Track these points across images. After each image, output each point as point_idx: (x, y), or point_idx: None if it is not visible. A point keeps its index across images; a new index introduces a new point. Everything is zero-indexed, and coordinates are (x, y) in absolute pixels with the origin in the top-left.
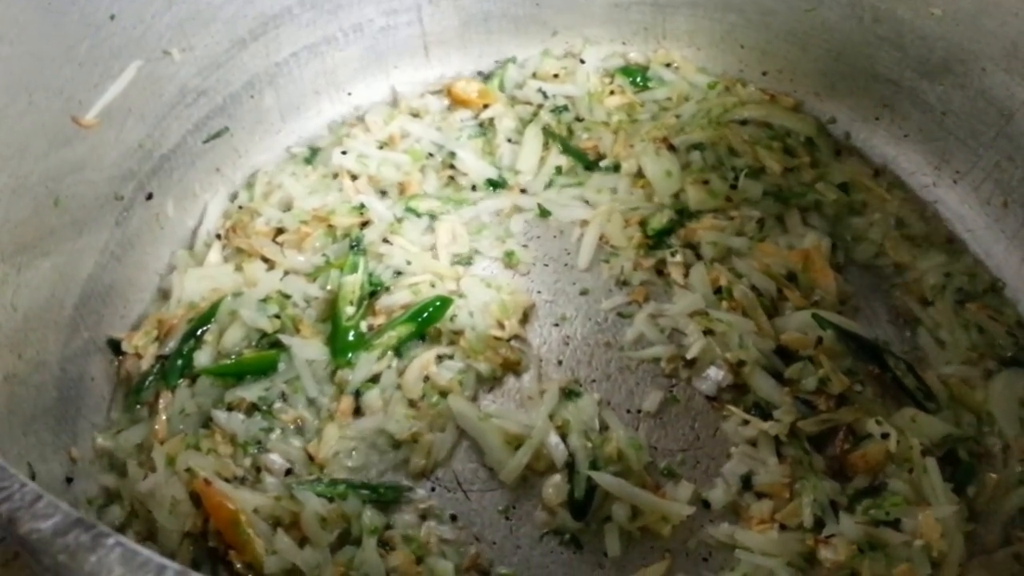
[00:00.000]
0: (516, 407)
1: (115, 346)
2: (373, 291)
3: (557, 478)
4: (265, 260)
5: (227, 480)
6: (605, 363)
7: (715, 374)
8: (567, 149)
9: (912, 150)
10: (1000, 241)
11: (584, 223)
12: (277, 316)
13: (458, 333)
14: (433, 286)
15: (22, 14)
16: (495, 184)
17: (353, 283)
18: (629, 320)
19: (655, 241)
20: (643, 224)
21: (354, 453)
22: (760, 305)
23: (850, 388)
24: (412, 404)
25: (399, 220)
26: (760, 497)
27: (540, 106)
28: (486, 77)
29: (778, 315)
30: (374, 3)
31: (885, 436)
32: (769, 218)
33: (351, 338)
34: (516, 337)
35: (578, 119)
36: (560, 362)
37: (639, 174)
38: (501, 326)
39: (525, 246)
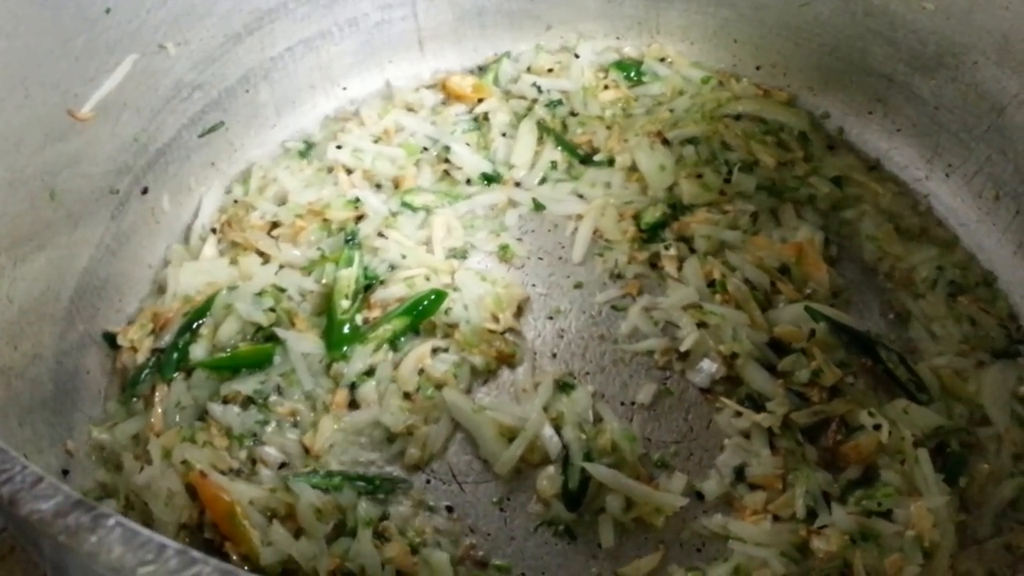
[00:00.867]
0: (510, 400)
1: (111, 339)
2: (368, 285)
3: (551, 470)
4: (260, 254)
5: (223, 472)
6: (599, 356)
7: (708, 366)
8: (561, 143)
9: (905, 144)
10: (992, 234)
11: (578, 217)
12: (272, 310)
13: (453, 326)
14: (428, 279)
15: (18, 8)
16: (490, 178)
17: (348, 277)
18: (623, 313)
19: (649, 235)
20: (637, 218)
21: (349, 446)
22: (753, 298)
23: (842, 380)
24: (407, 397)
25: (394, 214)
26: (753, 488)
27: (534, 100)
28: (481, 72)
29: (771, 308)
30: None
31: (877, 427)
32: (762, 212)
33: (346, 331)
34: (510, 330)
35: (572, 113)
36: (554, 355)
37: (633, 168)
38: (495, 319)
39: (520, 240)
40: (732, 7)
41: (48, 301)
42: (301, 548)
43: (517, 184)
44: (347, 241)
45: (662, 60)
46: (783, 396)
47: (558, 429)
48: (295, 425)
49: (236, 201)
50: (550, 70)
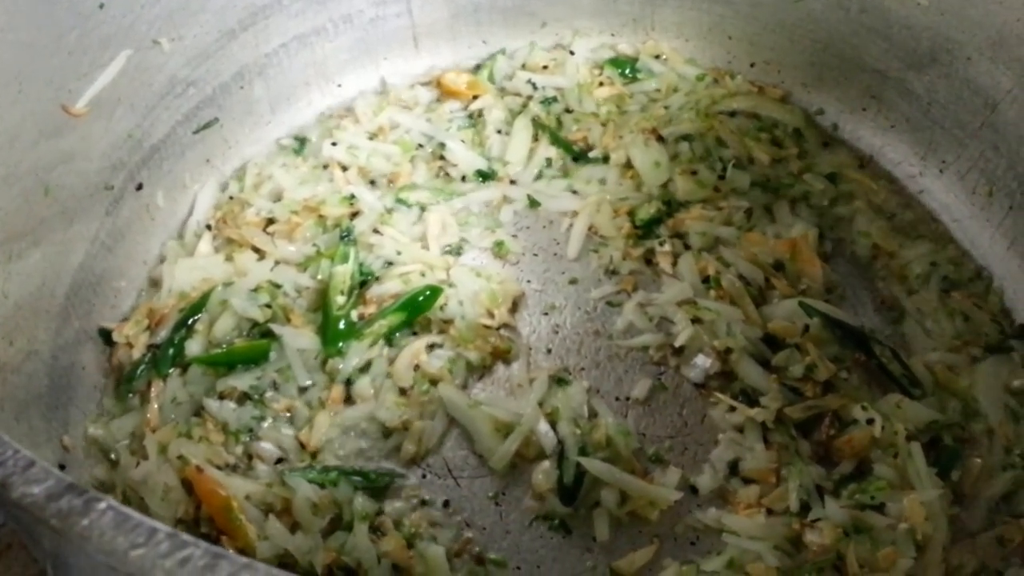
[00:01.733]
0: (506, 395)
1: (106, 335)
2: (363, 281)
3: (546, 464)
4: (256, 250)
5: (219, 468)
6: (594, 351)
7: (703, 362)
8: (556, 140)
9: (898, 140)
10: (985, 230)
11: (573, 213)
12: (268, 306)
13: (448, 322)
14: (423, 275)
15: (11, 3)
16: (485, 175)
17: (344, 273)
18: (618, 309)
19: (644, 231)
20: (632, 214)
21: (345, 441)
22: (747, 294)
23: (836, 375)
24: (403, 392)
25: (389, 211)
26: (747, 482)
27: (529, 97)
28: (476, 69)
29: (765, 303)
30: None
31: (870, 422)
32: (757, 208)
33: (342, 327)
34: (506, 326)
35: (567, 110)
36: (549, 350)
37: (628, 165)
38: (491, 315)
39: (515, 236)
40: (727, 4)
41: (43, 297)
42: (297, 542)
43: (512, 181)
44: (342, 237)
45: (657, 57)
46: (777, 391)
47: (553, 424)
48: (291, 421)
49: (231, 198)
50: (545, 67)
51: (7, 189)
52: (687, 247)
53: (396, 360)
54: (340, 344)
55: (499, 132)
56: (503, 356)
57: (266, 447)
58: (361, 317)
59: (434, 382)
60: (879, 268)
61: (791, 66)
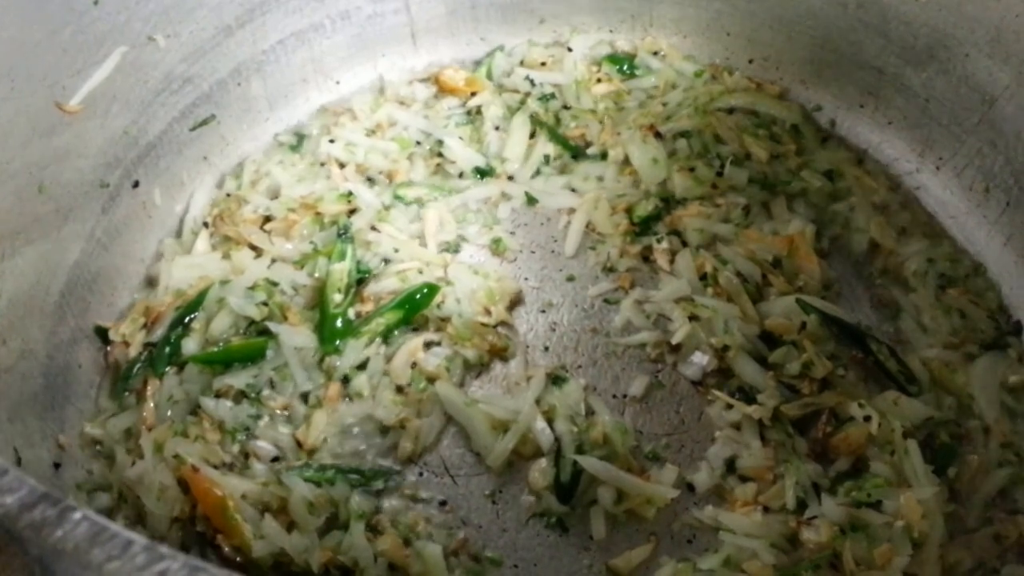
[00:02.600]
0: (503, 393)
1: (102, 334)
2: (361, 278)
3: (543, 462)
4: (253, 248)
5: (215, 467)
6: (591, 349)
7: (700, 359)
8: (554, 137)
9: (896, 137)
10: (982, 226)
11: (571, 211)
12: (265, 304)
13: (445, 320)
14: (421, 273)
15: (2, 0)
16: (482, 172)
17: (341, 271)
18: (615, 306)
19: (641, 228)
20: (629, 211)
21: (342, 439)
22: (745, 291)
23: (833, 372)
24: (400, 390)
25: (387, 208)
26: (744, 480)
27: (527, 94)
28: (474, 65)
29: (762, 300)
30: None
31: (867, 419)
32: (754, 205)
33: (339, 325)
34: (503, 323)
35: (565, 107)
36: (547, 348)
37: (626, 162)
38: (488, 312)
39: (512, 233)
40: (725, 0)
41: (38, 296)
42: (293, 541)
43: (510, 178)
44: (340, 235)
45: (655, 54)
46: (774, 388)
47: (550, 422)
48: (288, 419)
49: (228, 195)
50: (543, 64)
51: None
52: (685, 244)
53: (393, 358)
54: (337, 342)
55: (497, 129)
56: (500, 354)
57: (262, 446)
58: (358, 315)
59: (431, 380)
60: (876, 265)
61: (789, 62)
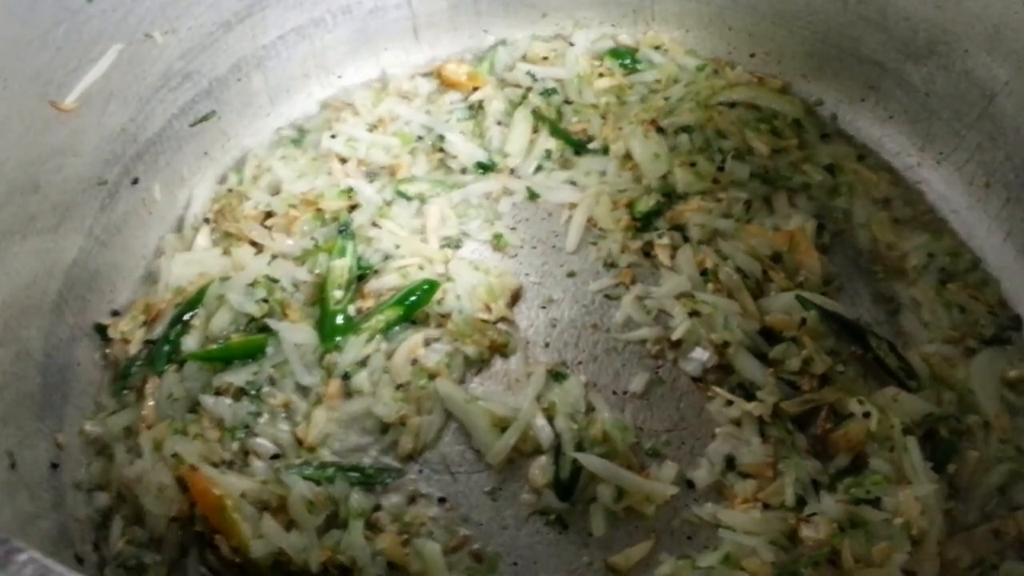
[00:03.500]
0: (503, 390)
1: (102, 331)
2: (361, 275)
3: (543, 460)
4: (253, 244)
5: (214, 465)
6: (592, 345)
7: (700, 355)
8: (556, 132)
9: (896, 131)
10: (982, 221)
11: (572, 206)
12: (265, 300)
13: (446, 316)
14: (422, 269)
15: None
16: (484, 167)
17: (341, 267)
18: (616, 302)
19: (642, 223)
20: (631, 206)
21: (342, 436)
22: (745, 287)
23: (833, 368)
24: (400, 387)
25: (388, 203)
26: (744, 477)
27: (529, 89)
28: (476, 60)
29: (763, 296)
30: None
31: (867, 415)
32: (756, 200)
33: (339, 322)
34: (503, 320)
35: (567, 102)
36: (547, 344)
37: (627, 156)
38: (488, 309)
39: (514, 229)
40: None
41: (35, 294)
42: (292, 541)
43: (512, 172)
44: (340, 231)
45: (657, 48)
46: (774, 385)
47: (550, 419)
48: (288, 416)
49: (229, 191)
50: (545, 58)
51: None
52: (686, 239)
53: (394, 355)
54: (338, 339)
55: (499, 124)
56: (501, 350)
57: (262, 443)
58: (359, 311)
59: (432, 377)
60: (877, 260)
61: (791, 57)
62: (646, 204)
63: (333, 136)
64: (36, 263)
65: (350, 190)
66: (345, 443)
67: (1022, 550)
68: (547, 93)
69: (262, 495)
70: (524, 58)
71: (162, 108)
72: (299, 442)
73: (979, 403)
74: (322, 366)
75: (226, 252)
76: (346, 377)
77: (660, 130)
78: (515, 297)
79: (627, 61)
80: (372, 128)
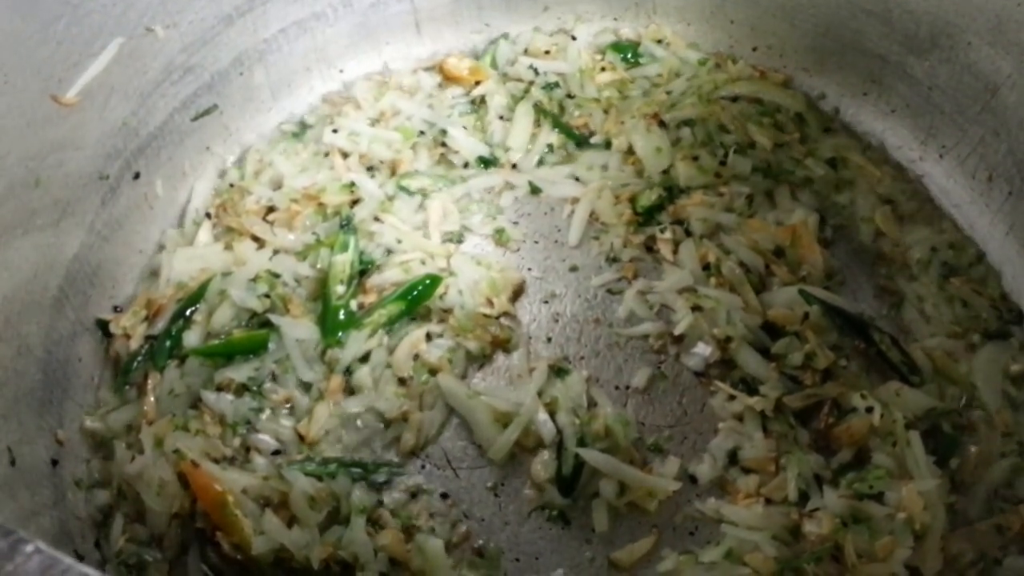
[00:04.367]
0: (505, 385)
1: (103, 327)
2: (363, 270)
3: (545, 455)
4: (255, 239)
5: (216, 461)
6: (594, 340)
7: (703, 350)
8: (558, 126)
9: (899, 125)
10: (985, 215)
11: (574, 200)
12: (267, 296)
13: (448, 311)
14: (424, 264)
15: None
16: (486, 161)
17: (343, 262)
18: (618, 297)
19: (645, 218)
20: (633, 201)
21: (344, 432)
22: (748, 281)
23: (835, 363)
24: (402, 382)
25: (390, 198)
26: (746, 472)
27: (531, 83)
28: (479, 54)
29: (765, 291)
30: None
31: (869, 410)
32: (758, 194)
33: (341, 317)
34: (506, 314)
35: (569, 96)
36: (549, 339)
37: (630, 151)
38: (490, 304)
39: (516, 223)
40: None
41: (36, 289)
42: (294, 537)
43: (514, 167)
44: (342, 226)
45: (659, 42)
46: (776, 379)
47: (552, 414)
48: (290, 412)
49: (231, 185)
50: (547, 52)
51: None
52: (688, 234)
53: (396, 350)
54: (339, 334)
55: (501, 118)
56: (503, 345)
57: (264, 439)
58: (361, 306)
59: (433, 372)
60: (879, 254)
61: (793, 51)
62: (648, 198)
63: (335, 130)
64: (37, 258)
65: (352, 185)
66: (347, 439)
67: None
68: (549, 87)
69: (263, 491)
70: (526, 52)
71: (163, 102)
72: (301, 438)
73: (982, 398)
74: (324, 361)
75: (228, 247)
76: (348, 372)
77: (662, 124)
78: (517, 292)
79: (629, 55)
80: (374, 122)
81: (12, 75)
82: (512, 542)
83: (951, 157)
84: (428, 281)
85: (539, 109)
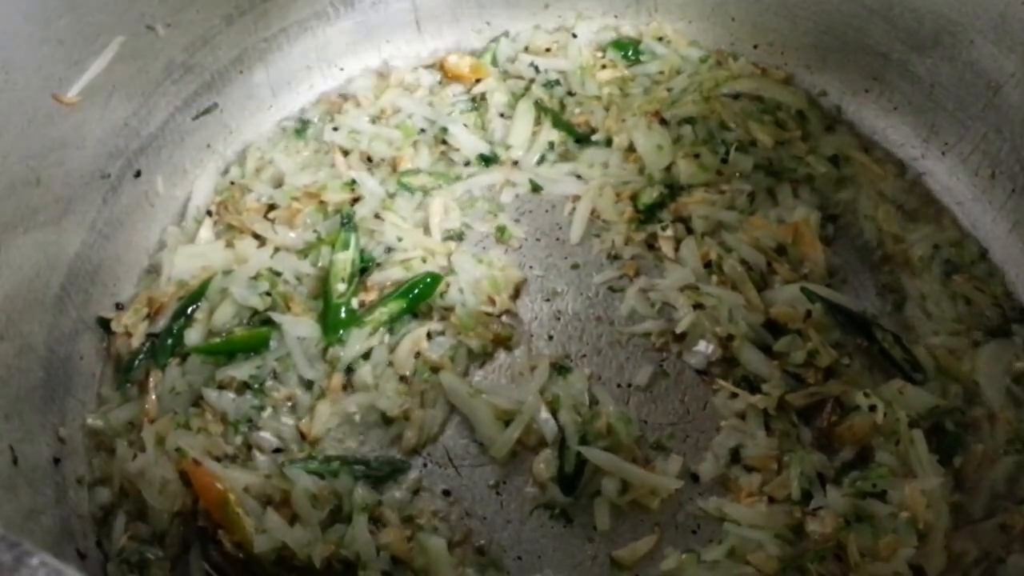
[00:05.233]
0: (507, 383)
1: (104, 325)
2: (364, 267)
3: (547, 453)
4: (256, 237)
5: (217, 459)
6: (596, 338)
7: (705, 348)
8: (559, 124)
9: (901, 122)
10: (987, 212)
11: (576, 198)
12: (268, 293)
13: (449, 309)
14: (424, 262)
15: None
16: (487, 159)
17: (344, 260)
18: (620, 294)
19: (646, 215)
20: (634, 198)
21: (345, 430)
22: (750, 279)
23: (838, 361)
24: (403, 380)
25: (391, 196)
26: (749, 470)
27: (532, 80)
28: (479, 52)
29: (767, 288)
30: None
31: (872, 408)
32: (760, 192)
33: (342, 315)
34: (507, 312)
35: (570, 93)
36: (551, 337)
37: (631, 148)
38: (492, 302)
39: (517, 221)
40: None
41: (37, 288)
42: (296, 535)
43: (515, 164)
44: (343, 224)
45: (660, 39)
46: (779, 377)
47: (554, 412)
48: (291, 410)
49: (232, 183)
50: (548, 50)
51: None
52: (690, 231)
53: (397, 348)
54: (340, 332)
55: (502, 116)
56: (504, 343)
57: (265, 437)
58: (362, 304)
59: (435, 370)
60: (881, 251)
61: (794, 48)
62: (650, 196)
63: (335, 128)
64: (38, 256)
65: (353, 182)
66: (348, 437)
67: None
68: (550, 85)
69: (265, 489)
70: (527, 50)
71: (165, 101)
72: (302, 436)
73: (985, 395)
74: (325, 360)
75: (229, 245)
76: (349, 371)
77: (663, 122)
78: (518, 290)
79: (630, 52)
80: (374, 120)
81: (14, 73)
82: (514, 540)
83: (953, 155)
84: (429, 279)
85: (540, 107)
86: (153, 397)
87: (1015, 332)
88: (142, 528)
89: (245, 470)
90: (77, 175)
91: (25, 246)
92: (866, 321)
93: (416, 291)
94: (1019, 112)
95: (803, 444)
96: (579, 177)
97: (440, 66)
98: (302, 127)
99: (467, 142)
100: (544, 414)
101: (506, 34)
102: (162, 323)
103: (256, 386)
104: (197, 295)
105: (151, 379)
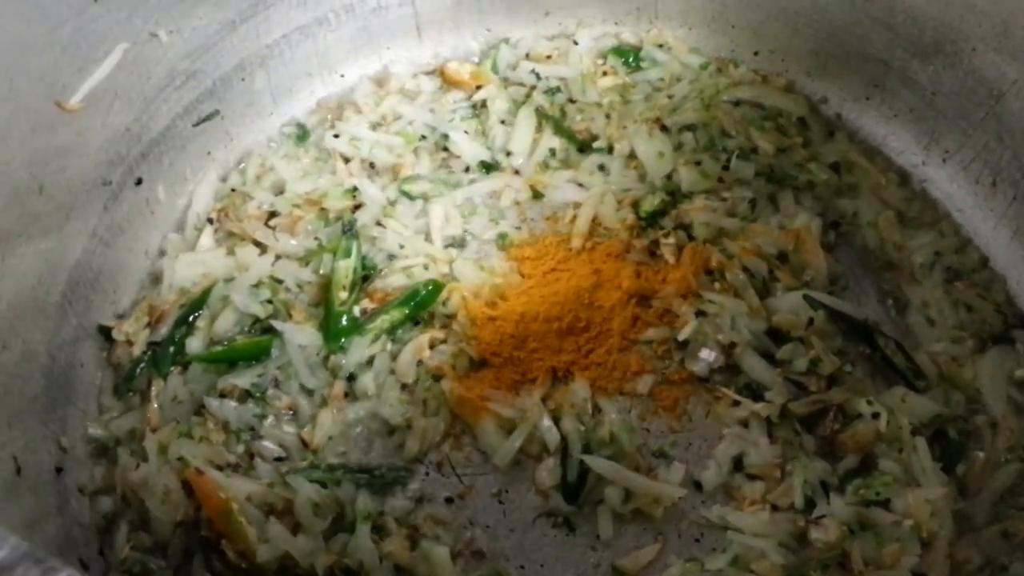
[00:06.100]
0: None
1: (105, 333)
2: (366, 275)
3: (550, 461)
4: (257, 244)
5: (219, 468)
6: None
7: (707, 356)
8: (560, 131)
9: (902, 129)
10: (988, 220)
11: (577, 205)
12: (269, 301)
13: (451, 317)
14: (426, 269)
15: None
16: (488, 166)
17: (346, 267)
18: None
19: (648, 222)
20: (636, 205)
21: (348, 439)
22: (752, 286)
23: (840, 368)
24: (405, 388)
25: (392, 203)
26: (752, 478)
27: (533, 88)
28: (480, 59)
29: (769, 296)
30: None
31: (875, 416)
32: (761, 199)
33: (344, 323)
34: None
35: (571, 101)
36: None
37: (632, 155)
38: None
39: (518, 228)
40: None
41: (38, 295)
42: (298, 544)
43: (516, 172)
44: (345, 231)
45: (661, 46)
46: (781, 385)
47: (556, 421)
48: (293, 419)
49: (233, 190)
50: (548, 57)
51: None
52: (691, 238)
53: (399, 356)
54: (342, 340)
55: (502, 122)
56: None
57: (267, 446)
58: (364, 312)
59: (437, 378)
60: (883, 258)
61: (795, 55)
62: (651, 203)
63: (336, 135)
64: (40, 264)
65: (354, 189)
66: (350, 445)
67: None
68: (551, 92)
69: (268, 498)
70: (527, 57)
71: (166, 108)
72: (304, 444)
73: (987, 403)
74: (327, 368)
75: (230, 252)
76: (351, 378)
77: (664, 129)
78: None
79: (631, 59)
80: (375, 127)
81: (17, 80)
82: (517, 549)
83: (954, 162)
84: (431, 287)
85: (540, 114)
86: (155, 405)
87: (1016, 339)
88: (145, 538)
89: (247, 479)
90: (79, 182)
91: (27, 253)
92: (868, 328)
93: (418, 298)
94: (1021, 120)
95: (806, 452)
96: (580, 184)
97: (441, 73)
98: (303, 134)
99: (468, 149)
100: (547, 422)
101: (507, 41)
102: (163, 331)
103: (258, 394)
104: (198, 303)
105: (153, 387)
